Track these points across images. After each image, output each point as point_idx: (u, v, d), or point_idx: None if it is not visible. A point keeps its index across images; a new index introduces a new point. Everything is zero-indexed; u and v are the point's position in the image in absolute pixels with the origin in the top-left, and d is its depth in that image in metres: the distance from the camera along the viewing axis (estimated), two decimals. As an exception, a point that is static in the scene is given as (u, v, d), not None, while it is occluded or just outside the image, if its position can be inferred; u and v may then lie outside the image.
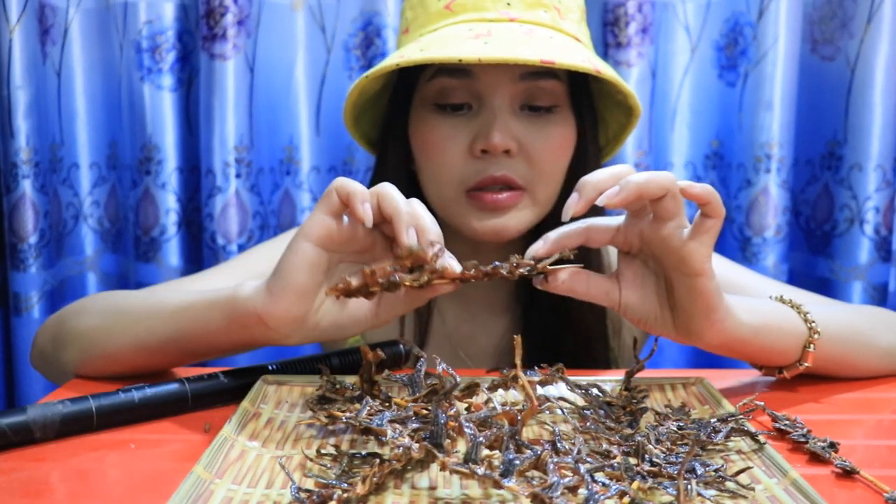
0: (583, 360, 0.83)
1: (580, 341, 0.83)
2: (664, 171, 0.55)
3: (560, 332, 0.83)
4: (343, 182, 0.55)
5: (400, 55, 0.75)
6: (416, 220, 0.54)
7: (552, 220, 0.79)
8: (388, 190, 0.55)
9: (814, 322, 0.63)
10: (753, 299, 0.64)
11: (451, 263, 0.54)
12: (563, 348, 0.83)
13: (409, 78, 0.81)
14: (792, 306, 0.64)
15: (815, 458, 0.52)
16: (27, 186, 1.05)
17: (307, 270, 0.55)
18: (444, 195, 0.79)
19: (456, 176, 0.78)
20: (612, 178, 0.54)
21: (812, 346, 0.63)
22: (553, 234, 0.57)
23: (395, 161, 0.84)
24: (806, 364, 0.63)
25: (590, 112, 0.83)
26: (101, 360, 0.68)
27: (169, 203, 1.14)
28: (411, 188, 0.83)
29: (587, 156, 0.82)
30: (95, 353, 0.68)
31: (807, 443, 0.53)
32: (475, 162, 0.77)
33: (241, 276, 0.78)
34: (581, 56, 0.74)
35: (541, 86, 0.77)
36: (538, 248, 0.56)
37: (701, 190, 0.54)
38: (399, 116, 0.83)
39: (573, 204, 0.55)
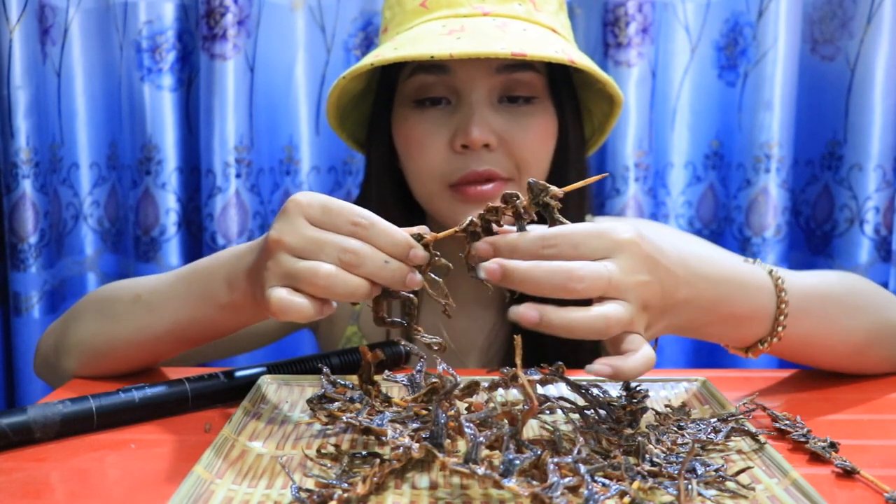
0: (568, 354, 0.83)
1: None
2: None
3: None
4: (323, 275, 0.51)
5: (375, 55, 0.76)
6: (391, 251, 0.52)
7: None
8: (363, 254, 0.52)
9: (780, 278, 0.60)
10: (723, 256, 0.61)
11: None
12: (550, 342, 0.83)
13: (390, 77, 0.82)
14: (769, 272, 0.61)
15: (816, 458, 0.52)
16: (27, 186, 1.05)
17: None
18: (428, 190, 0.80)
19: (438, 171, 0.78)
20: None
21: (783, 298, 0.59)
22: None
23: (381, 160, 0.85)
24: (778, 333, 0.59)
25: (571, 102, 0.84)
26: (103, 362, 0.69)
27: (169, 203, 1.14)
28: (397, 186, 0.84)
29: (569, 146, 0.82)
30: (96, 356, 0.68)
31: (807, 443, 0.53)
32: (457, 157, 0.77)
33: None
34: (554, 47, 0.74)
35: (518, 78, 0.78)
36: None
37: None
38: (382, 115, 0.84)
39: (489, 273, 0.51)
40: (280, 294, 0.51)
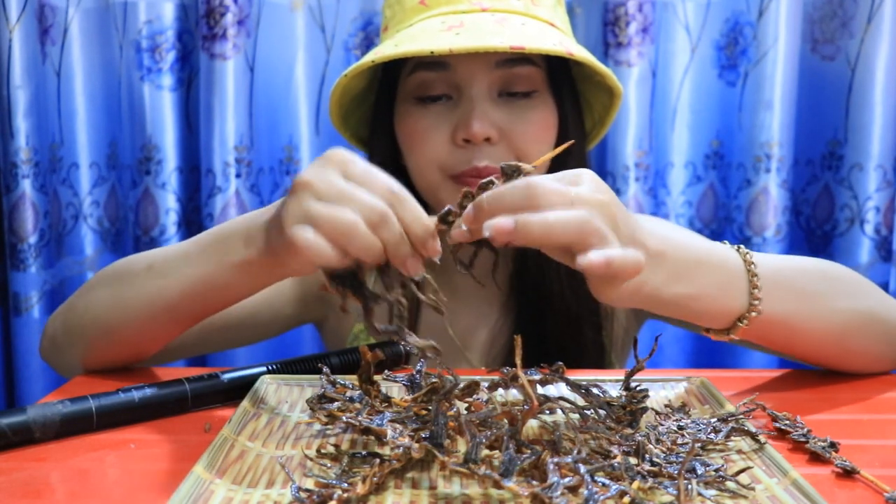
0: (571, 345, 0.83)
1: (567, 326, 0.83)
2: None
3: (548, 318, 0.83)
4: (338, 225, 0.50)
5: (375, 52, 0.77)
6: (406, 229, 0.52)
7: None
8: (382, 218, 0.51)
9: (747, 252, 0.60)
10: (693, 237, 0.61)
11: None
12: (553, 334, 0.83)
13: (392, 74, 0.82)
14: (737, 250, 0.61)
15: (816, 458, 0.51)
16: (27, 186, 1.05)
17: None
18: (430, 182, 0.81)
19: (439, 164, 0.79)
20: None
21: (753, 271, 0.59)
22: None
23: (384, 157, 0.85)
24: (753, 314, 0.59)
25: (571, 96, 0.84)
26: (114, 338, 0.68)
27: (169, 203, 1.14)
28: (400, 183, 0.84)
29: (569, 138, 0.82)
30: (108, 332, 0.68)
31: (807, 442, 0.53)
32: (458, 151, 0.78)
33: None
34: (552, 40, 0.75)
35: (517, 72, 0.78)
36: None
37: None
38: (384, 112, 0.84)
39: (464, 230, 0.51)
40: (304, 232, 0.50)
